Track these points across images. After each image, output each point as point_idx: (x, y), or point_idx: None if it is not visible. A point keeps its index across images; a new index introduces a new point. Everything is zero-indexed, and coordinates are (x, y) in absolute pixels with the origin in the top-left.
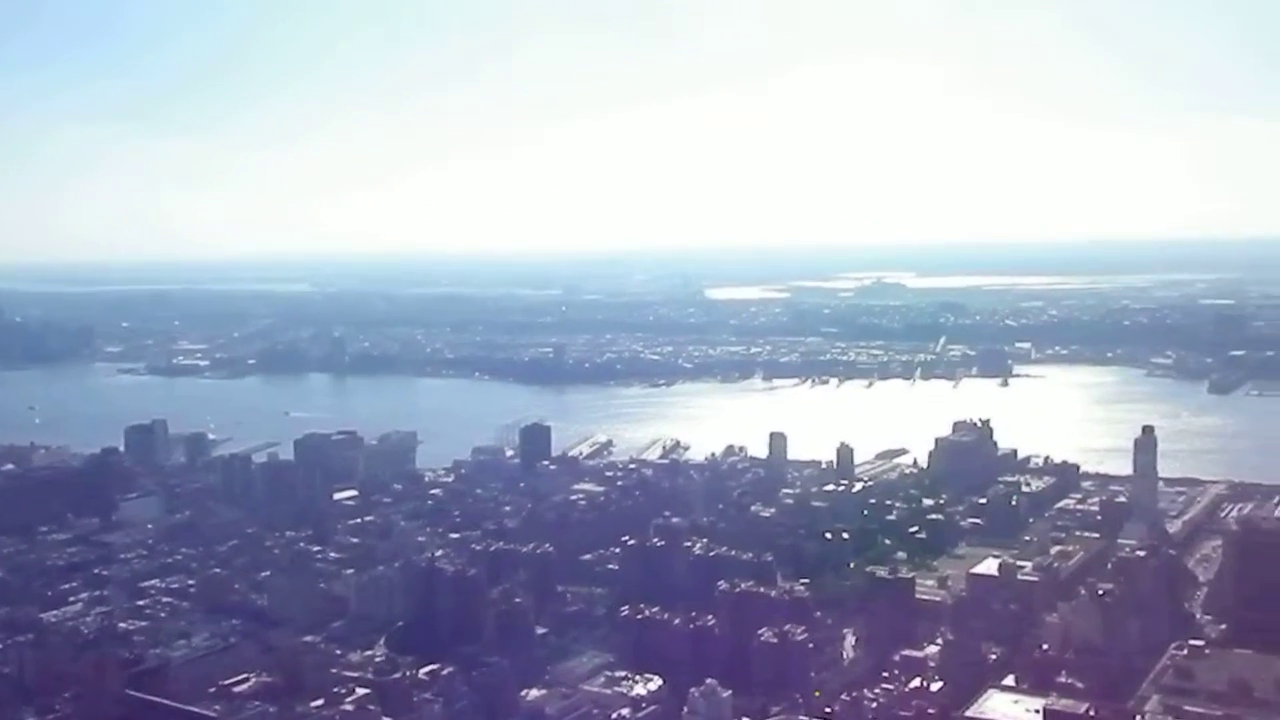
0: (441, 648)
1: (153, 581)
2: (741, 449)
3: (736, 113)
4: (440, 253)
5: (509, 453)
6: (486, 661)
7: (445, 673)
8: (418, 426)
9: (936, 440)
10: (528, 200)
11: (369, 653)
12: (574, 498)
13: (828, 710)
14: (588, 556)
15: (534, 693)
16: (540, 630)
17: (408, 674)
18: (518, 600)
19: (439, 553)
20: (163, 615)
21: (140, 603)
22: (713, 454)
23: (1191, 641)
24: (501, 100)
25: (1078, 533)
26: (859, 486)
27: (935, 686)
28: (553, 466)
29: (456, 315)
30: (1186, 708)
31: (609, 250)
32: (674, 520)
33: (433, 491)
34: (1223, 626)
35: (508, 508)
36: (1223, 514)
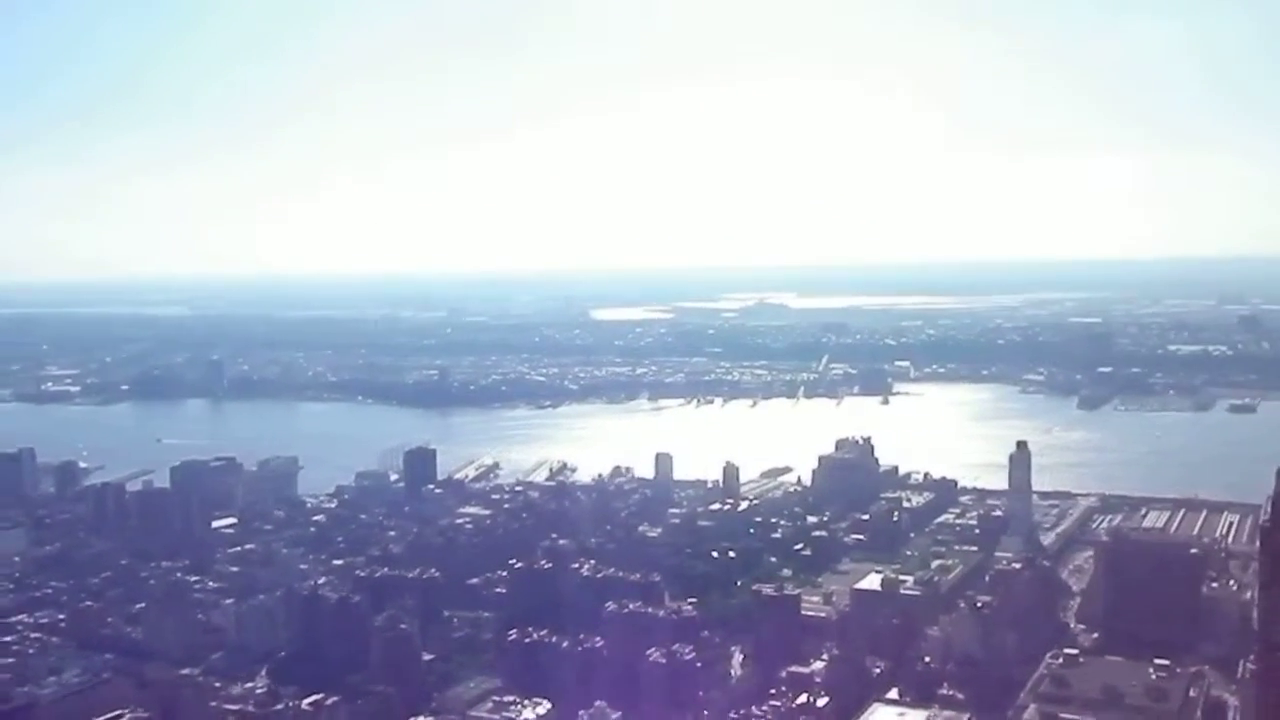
0: (325, 677)
1: (20, 616)
2: (628, 470)
3: (620, 135)
4: (323, 275)
5: (393, 477)
6: (372, 690)
7: (329, 703)
8: (299, 452)
9: (820, 458)
10: (412, 222)
11: (250, 684)
12: (460, 521)
13: None
14: (474, 580)
15: None
16: (427, 656)
17: (290, 705)
18: (403, 626)
19: (322, 580)
20: (31, 651)
21: (7, 639)
22: (600, 475)
23: (1066, 650)
24: (380, 125)
25: (957, 546)
26: (745, 505)
27: (821, 702)
28: (438, 490)
29: (338, 338)
30: (1062, 715)
31: (494, 272)
32: (561, 542)
33: (315, 518)
34: (1095, 635)
35: (392, 533)
36: (1094, 526)
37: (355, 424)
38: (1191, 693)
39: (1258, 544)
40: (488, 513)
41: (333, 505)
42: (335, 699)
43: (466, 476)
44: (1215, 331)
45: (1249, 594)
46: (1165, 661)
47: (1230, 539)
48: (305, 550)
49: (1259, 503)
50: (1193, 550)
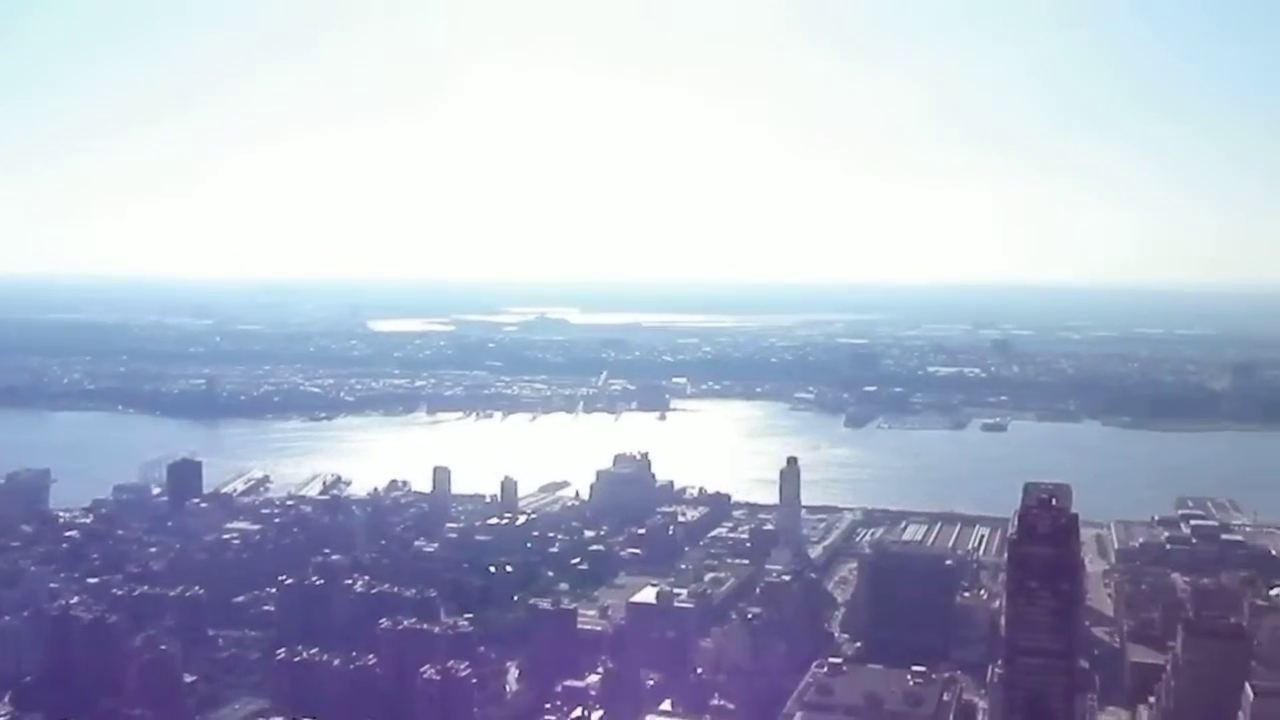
0: (77, 702)
1: None
2: (405, 484)
3: (405, 143)
4: (85, 277)
5: (155, 491)
6: (129, 715)
7: None
8: (51, 464)
9: (598, 473)
10: (187, 227)
11: None
12: (227, 537)
13: None
14: (242, 598)
15: None
16: (189, 678)
17: None
18: (163, 647)
19: (74, 599)
20: None
21: None
22: (375, 489)
23: (831, 659)
24: (155, 127)
25: (729, 560)
26: (522, 519)
27: (596, 716)
28: (204, 505)
29: (98, 344)
30: None
31: (272, 279)
32: (334, 558)
33: (68, 533)
34: (858, 644)
35: (153, 549)
36: (857, 539)
37: (114, 434)
38: (945, 697)
39: (1006, 556)
40: (257, 528)
41: (88, 520)
42: None
43: (234, 490)
44: (970, 354)
45: (998, 603)
46: (922, 668)
47: (981, 551)
48: (56, 568)
49: (1007, 516)
50: (947, 562)
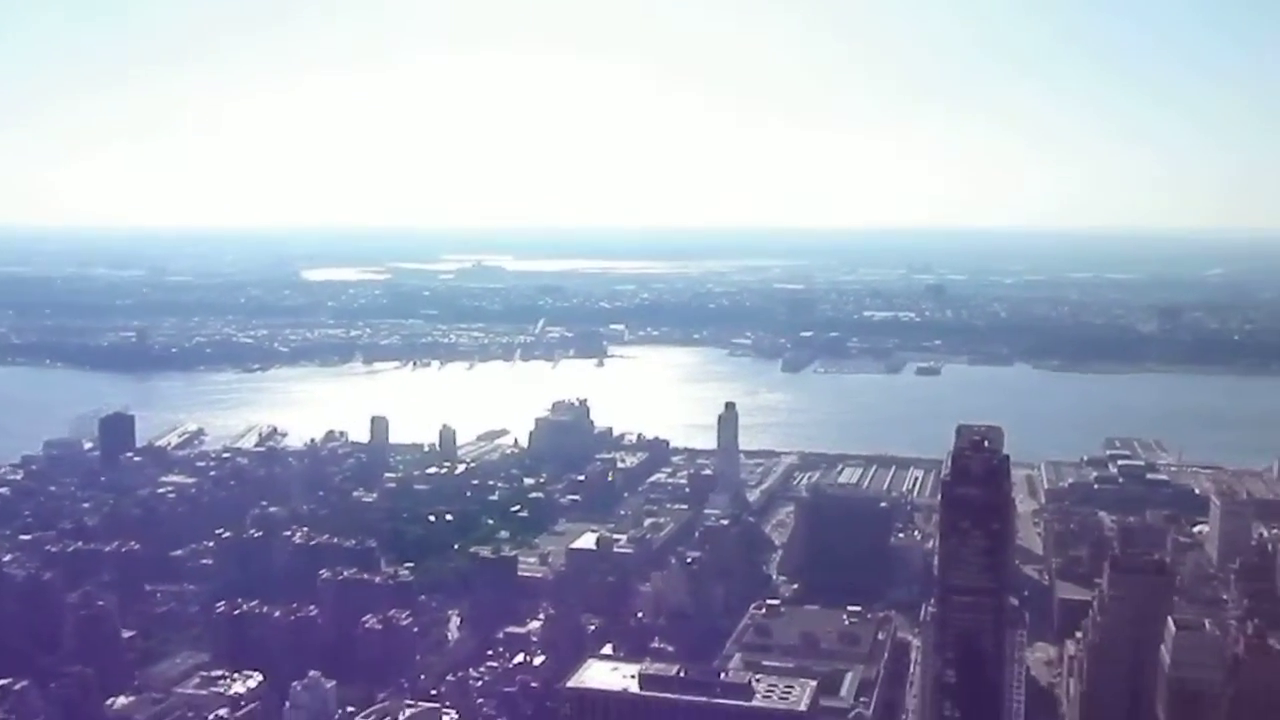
0: (14, 661)
1: None
2: (342, 434)
3: (334, 94)
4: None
5: (87, 445)
6: (66, 671)
7: (18, 687)
8: None
9: (536, 420)
10: (109, 175)
11: None
12: (162, 491)
13: (433, 692)
14: (179, 552)
15: (121, 700)
16: (127, 633)
17: None
18: (100, 603)
19: (8, 557)
20: None
21: None
22: (312, 440)
23: (769, 601)
24: (80, 69)
25: (668, 505)
26: (461, 468)
27: (538, 661)
28: (137, 459)
29: (19, 297)
30: (764, 662)
31: (199, 228)
32: (272, 510)
33: None
34: (795, 586)
35: (87, 504)
36: (795, 482)
37: (42, 389)
38: (879, 636)
39: (939, 497)
40: (192, 481)
41: (18, 477)
42: (24, 683)
43: (169, 444)
44: (905, 299)
45: (931, 543)
46: (857, 608)
47: (916, 493)
48: None
49: (941, 458)
50: (882, 504)
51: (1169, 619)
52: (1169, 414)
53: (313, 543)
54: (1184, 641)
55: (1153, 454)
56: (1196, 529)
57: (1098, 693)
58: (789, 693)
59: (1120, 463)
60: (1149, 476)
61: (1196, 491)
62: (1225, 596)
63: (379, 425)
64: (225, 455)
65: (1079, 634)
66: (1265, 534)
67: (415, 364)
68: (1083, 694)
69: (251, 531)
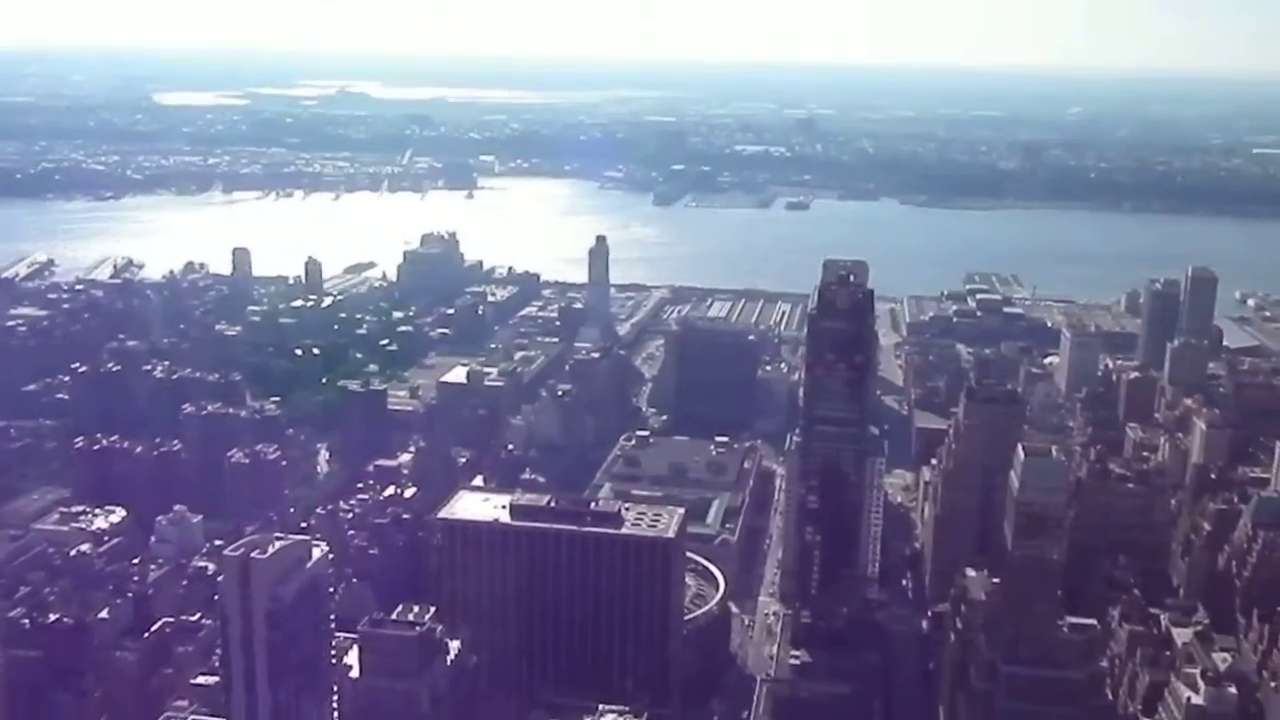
0: None
1: None
2: (202, 266)
3: None
4: None
5: None
6: None
7: None
8: None
9: (405, 253)
10: None
11: None
12: (12, 324)
13: (303, 525)
14: (33, 387)
15: None
16: None
17: None
18: None
19: None
20: None
21: None
22: (171, 272)
23: (638, 432)
24: None
25: (539, 338)
26: (328, 301)
27: (409, 492)
28: None
29: None
30: (633, 491)
31: (37, 46)
32: (130, 344)
33: None
34: (664, 417)
35: None
36: (665, 316)
37: None
38: (746, 465)
39: (805, 330)
40: (44, 314)
41: None
42: None
43: (16, 275)
44: (776, 133)
45: (797, 375)
46: (724, 438)
47: (783, 326)
48: None
49: (808, 293)
50: (750, 337)
51: (1019, 446)
52: (1027, 249)
53: (174, 377)
54: (1031, 467)
55: (1010, 288)
56: (1047, 360)
57: (950, 515)
58: (657, 520)
59: (979, 297)
60: (1005, 310)
61: (1049, 324)
62: (1071, 424)
63: (241, 257)
64: (79, 288)
65: (935, 461)
66: (1110, 365)
67: (278, 194)
68: (936, 517)
69: (109, 365)
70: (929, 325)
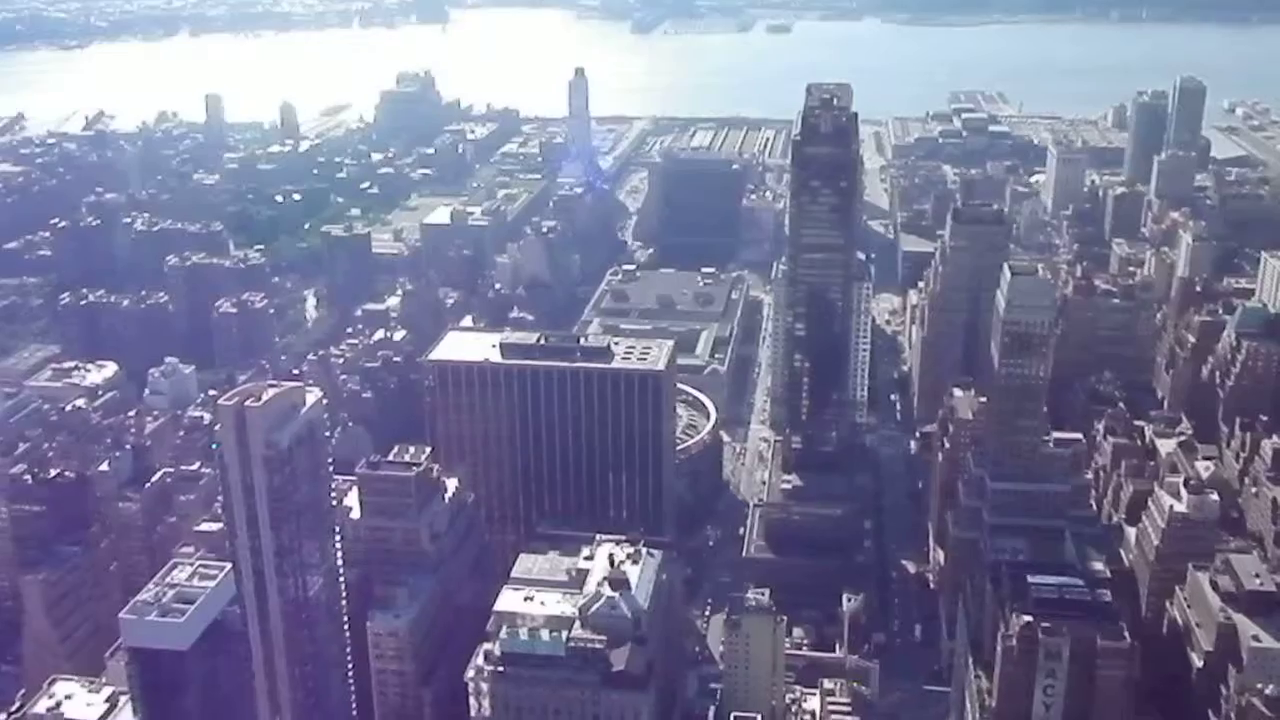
0: None
1: None
2: (175, 114)
3: None
4: None
5: None
6: None
7: None
8: None
9: (381, 93)
10: None
11: None
12: None
13: (296, 371)
14: (13, 245)
15: None
16: None
17: None
18: None
19: None
20: None
21: None
22: (144, 122)
23: (624, 266)
24: None
25: (521, 175)
26: (306, 145)
27: (399, 335)
28: None
29: None
30: (622, 325)
31: None
32: (108, 196)
33: None
34: (650, 250)
35: None
36: (647, 148)
37: None
38: (733, 295)
39: (790, 157)
40: (19, 170)
41: None
42: None
43: None
44: None
45: (782, 204)
46: (711, 269)
47: (767, 154)
48: None
49: (792, 119)
50: (734, 166)
51: (1005, 265)
52: (1013, 66)
53: (155, 229)
54: (1018, 286)
55: (996, 106)
56: (1034, 178)
57: (937, 337)
58: (647, 353)
59: (964, 117)
60: (991, 129)
61: (1035, 141)
62: (1058, 242)
63: (214, 104)
64: (51, 141)
65: (921, 284)
66: (1097, 180)
67: (247, 35)
68: (924, 339)
69: (89, 219)
70: (914, 147)
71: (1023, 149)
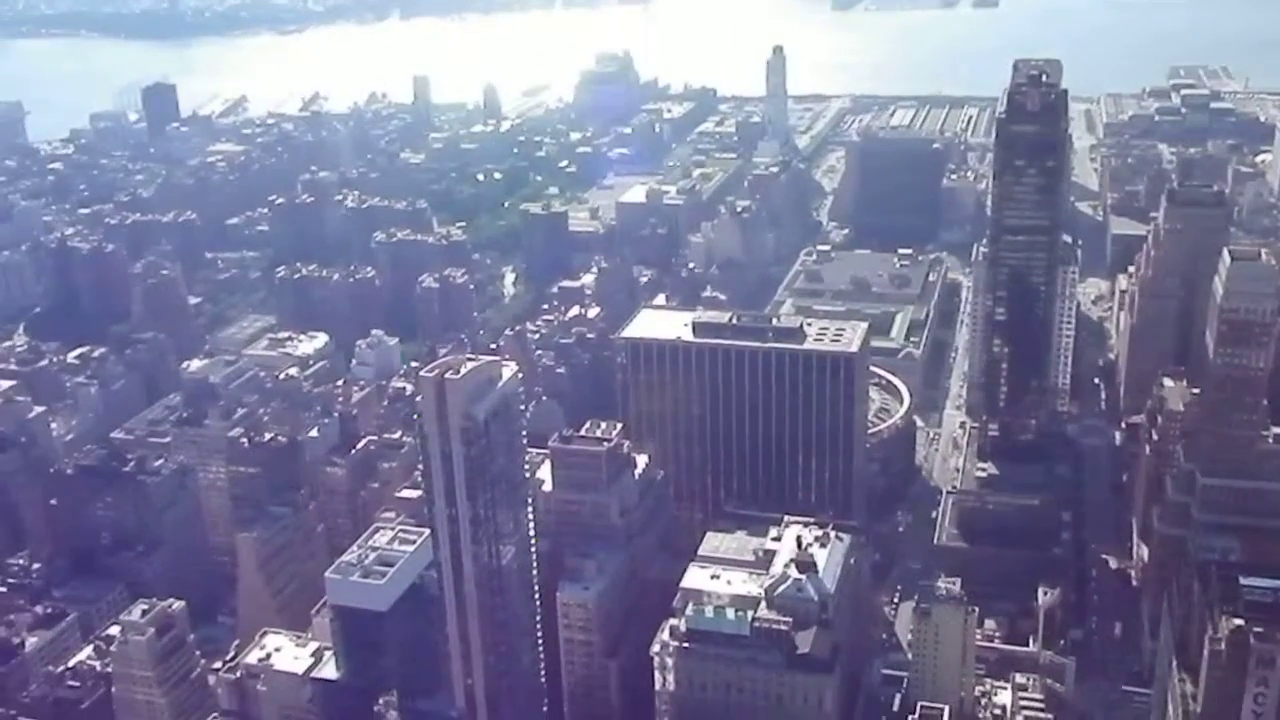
0: (88, 329)
1: None
2: (385, 95)
3: None
4: None
5: (133, 117)
6: (140, 338)
7: (97, 354)
8: (21, 95)
9: (580, 73)
10: None
11: (9, 343)
12: (211, 160)
13: (493, 346)
14: (235, 220)
15: (195, 363)
16: (194, 300)
17: (55, 360)
18: (165, 272)
19: (70, 230)
20: None
21: None
22: (355, 103)
23: (819, 247)
24: None
25: (717, 154)
26: (507, 125)
27: (593, 312)
28: (184, 129)
29: None
30: (816, 306)
31: None
32: (321, 175)
33: (52, 166)
34: (846, 231)
35: (140, 176)
36: (845, 127)
37: (80, 61)
38: (930, 277)
39: (994, 136)
40: (241, 149)
41: (69, 151)
42: (102, 350)
43: (212, 112)
44: None
45: (984, 184)
46: (908, 250)
47: (970, 133)
48: (46, 201)
49: (996, 96)
50: (935, 145)
51: (1224, 250)
52: (1239, 37)
53: (364, 206)
54: (1238, 272)
55: (1218, 82)
56: (1260, 158)
57: (1147, 325)
58: (840, 335)
59: (1183, 93)
60: (1213, 106)
61: (1262, 119)
62: None
63: (421, 85)
64: (270, 122)
65: (1132, 268)
66: None
67: (454, 17)
68: (1133, 326)
69: (303, 197)
70: (1128, 125)
71: (1248, 127)
